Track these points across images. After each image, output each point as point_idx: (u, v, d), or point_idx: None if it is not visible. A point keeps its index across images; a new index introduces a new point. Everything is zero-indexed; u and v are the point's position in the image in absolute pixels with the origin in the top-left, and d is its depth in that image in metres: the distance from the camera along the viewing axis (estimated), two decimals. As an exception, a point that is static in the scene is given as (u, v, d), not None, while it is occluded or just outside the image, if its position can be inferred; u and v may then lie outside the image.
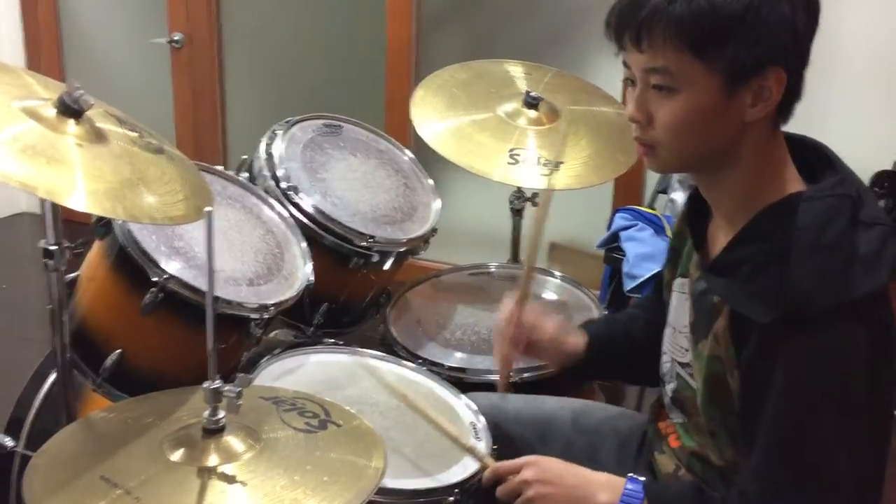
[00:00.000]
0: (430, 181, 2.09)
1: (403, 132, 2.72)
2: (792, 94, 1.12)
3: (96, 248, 1.60)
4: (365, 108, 3.36)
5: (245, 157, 1.90)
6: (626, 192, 3.07)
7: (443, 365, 1.77)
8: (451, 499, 1.34)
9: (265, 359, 1.61)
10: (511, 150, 1.95)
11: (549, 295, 2.07)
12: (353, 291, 1.94)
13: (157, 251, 1.52)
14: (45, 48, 3.89)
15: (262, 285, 1.63)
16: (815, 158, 1.18)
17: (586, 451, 1.43)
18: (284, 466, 1.10)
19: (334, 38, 3.51)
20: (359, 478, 1.11)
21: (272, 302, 1.60)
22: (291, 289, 1.66)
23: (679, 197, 2.68)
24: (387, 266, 1.92)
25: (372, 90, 3.41)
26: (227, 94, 3.73)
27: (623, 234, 2.64)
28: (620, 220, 2.69)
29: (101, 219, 1.53)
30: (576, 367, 1.50)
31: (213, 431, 1.12)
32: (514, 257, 2.28)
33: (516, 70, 2.16)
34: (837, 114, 2.74)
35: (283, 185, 1.82)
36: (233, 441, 1.12)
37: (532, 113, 2.02)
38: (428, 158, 2.09)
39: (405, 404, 1.45)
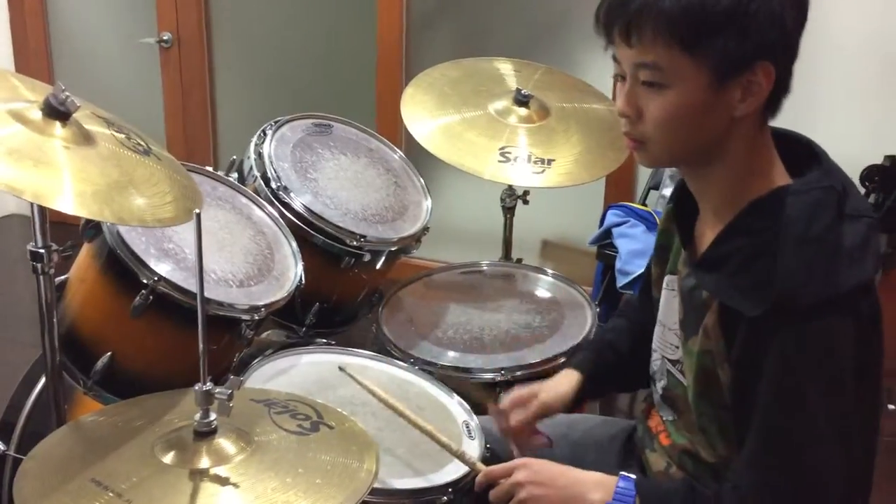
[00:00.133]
0: (421, 180, 2.08)
1: (394, 131, 2.72)
2: (780, 88, 1.12)
3: (86, 250, 1.59)
4: (355, 107, 3.35)
5: (235, 157, 1.90)
6: (618, 188, 3.08)
7: (436, 364, 1.77)
8: (445, 498, 1.34)
9: (257, 360, 1.61)
10: (502, 148, 1.95)
11: (542, 293, 2.07)
12: (345, 291, 1.94)
13: (146, 253, 1.51)
14: (33, 50, 3.88)
15: (252, 286, 1.62)
16: (800, 152, 1.18)
17: (572, 463, 1.43)
18: (276, 469, 1.10)
19: (324, 36, 3.50)
20: (351, 479, 1.10)
21: (263, 303, 1.59)
22: (282, 289, 1.66)
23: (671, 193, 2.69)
24: (378, 265, 1.92)
25: (362, 89, 3.40)
26: (216, 93, 3.72)
27: (615, 231, 2.65)
28: (612, 216, 2.70)
29: (89, 221, 1.53)
30: (575, 401, 1.50)
31: (205, 434, 1.11)
32: (506, 255, 2.28)
33: (506, 67, 2.17)
34: (829, 109, 2.75)
35: (274, 185, 1.82)
36: (224, 443, 1.12)
37: (522, 110, 2.02)
38: (419, 157, 2.08)
39: (393, 412, 1.44)
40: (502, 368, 1.75)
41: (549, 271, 2.14)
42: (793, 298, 1.07)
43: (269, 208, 1.79)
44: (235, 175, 1.85)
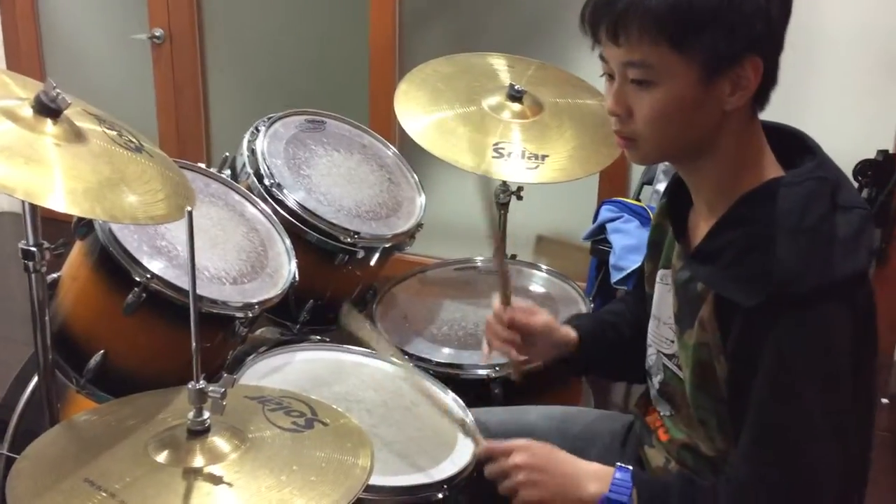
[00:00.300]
0: (415, 176, 2.08)
1: (387, 127, 2.71)
2: (768, 81, 1.13)
3: (78, 247, 1.58)
4: (348, 103, 3.35)
5: (227, 154, 1.89)
6: (612, 184, 3.08)
7: (430, 360, 1.77)
8: (441, 495, 1.34)
9: (251, 357, 1.60)
10: (495, 144, 1.94)
11: (536, 288, 2.07)
12: (339, 288, 1.93)
13: (139, 251, 1.50)
14: (24, 47, 3.86)
15: (246, 283, 1.62)
16: (792, 145, 1.19)
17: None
18: (271, 466, 1.09)
19: (317, 32, 3.49)
20: (346, 476, 1.10)
21: (257, 300, 1.59)
22: (276, 287, 1.65)
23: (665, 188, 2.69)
24: (372, 262, 1.91)
25: (355, 85, 3.39)
26: (209, 90, 3.70)
27: (609, 226, 2.65)
28: (606, 212, 2.70)
29: (81, 218, 1.52)
30: (567, 361, 1.50)
31: (199, 432, 1.11)
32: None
33: (500, 63, 2.16)
34: (822, 103, 2.75)
35: (267, 181, 1.81)
36: (218, 442, 1.11)
37: (516, 106, 2.01)
38: (412, 153, 2.08)
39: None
40: (497, 365, 1.75)
41: (544, 267, 2.14)
42: (788, 287, 1.08)
43: (263, 205, 1.78)
44: (228, 172, 1.85)
